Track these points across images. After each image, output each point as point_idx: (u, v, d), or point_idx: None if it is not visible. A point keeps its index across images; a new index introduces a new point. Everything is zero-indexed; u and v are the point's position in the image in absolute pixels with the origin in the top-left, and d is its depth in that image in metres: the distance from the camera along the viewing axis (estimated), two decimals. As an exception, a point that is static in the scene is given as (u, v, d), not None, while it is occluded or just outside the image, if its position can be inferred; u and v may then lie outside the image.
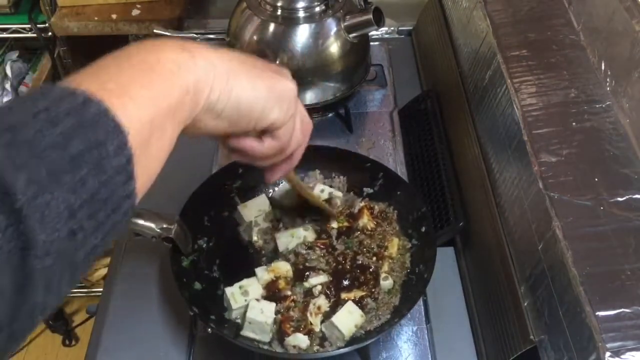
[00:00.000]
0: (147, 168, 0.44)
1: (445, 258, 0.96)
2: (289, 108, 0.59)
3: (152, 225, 0.79)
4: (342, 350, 0.77)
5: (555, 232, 0.69)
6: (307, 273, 0.85)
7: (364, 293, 0.84)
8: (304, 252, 0.88)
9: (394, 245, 0.89)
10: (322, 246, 0.88)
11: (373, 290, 0.84)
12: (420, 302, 0.90)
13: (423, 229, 0.89)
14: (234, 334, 0.80)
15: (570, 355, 0.64)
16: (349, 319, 0.80)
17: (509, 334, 0.76)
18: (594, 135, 0.77)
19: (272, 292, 0.84)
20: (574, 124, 0.79)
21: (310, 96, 1.12)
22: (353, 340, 0.79)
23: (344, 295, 0.83)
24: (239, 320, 0.82)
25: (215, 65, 0.51)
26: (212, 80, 0.50)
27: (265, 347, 0.80)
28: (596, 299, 0.62)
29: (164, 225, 0.80)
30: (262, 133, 0.60)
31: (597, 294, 0.62)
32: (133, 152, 0.40)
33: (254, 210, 0.93)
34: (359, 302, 0.83)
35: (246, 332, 0.80)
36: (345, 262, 0.87)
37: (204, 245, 0.89)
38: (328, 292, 0.84)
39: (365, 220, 0.91)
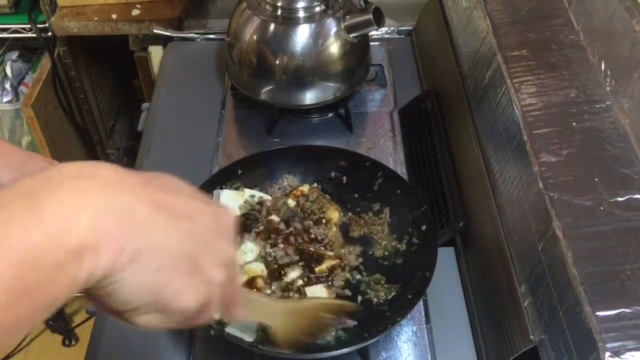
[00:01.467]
0: None
1: (445, 258, 0.96)
2: (166, 322, 0.46)
3: None
4: (343, 350, 0.77)
5: (555, 232, 0.68)
6: (283, 271, 0.86)
7: (334, 262, 0.87)
8: (270, 252, 0.88)
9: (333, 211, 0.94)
10: (282, 241, 0.89)
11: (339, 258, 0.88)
12: (420, 302, 0.90)
13: (423, 228, 0.89)
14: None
15: (570, 355, 0.64)
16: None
17: (509, 334, 0.76)
18: (594, 135, 0.77)
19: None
20: (574, 124, 0.79)
21: (310, 96, 1.12)
22: (352, 340, 0.79)
23: (317, 269, 0.86)
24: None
25: (123, 252, 0.39)
26: (107, 271, 0.39)
27: (261, 346, 0.78)
28: (596, 299, 0.62)
29: None
30: None
31: (597, 294, 0.62)
32: None
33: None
34: (331, 273, 0.86)
35: (231, 329, 0.78)
36: (303, 241, 0.89)
37: None
38: (305, 278, 0.86)
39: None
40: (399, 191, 0.94)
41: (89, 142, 1.92)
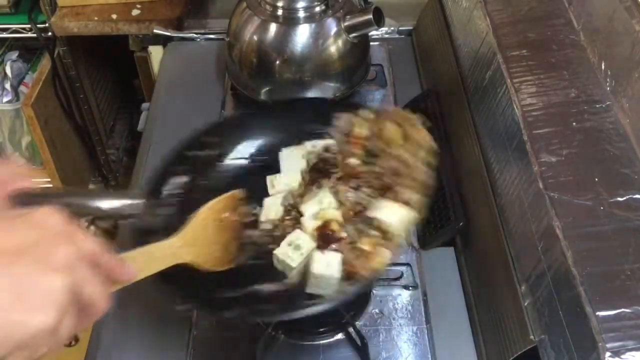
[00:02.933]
0: None
1: (445, 258, 0.96)
2: (36, 351, 0.44)
3: (116, 204, 0.71)
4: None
5: (555, 232, 0.68)
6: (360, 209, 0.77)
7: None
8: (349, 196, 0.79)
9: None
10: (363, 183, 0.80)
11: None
12: (420, 302, 0.90)
13: None
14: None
15: (570, 355, 0.64)
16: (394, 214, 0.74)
17: (509, 334, 0.76)
18: (594, 135, 0.77)
19: (325, 237, 0.76)
20: (574, 124, 0.79)
21: (311, 96, 1.12)
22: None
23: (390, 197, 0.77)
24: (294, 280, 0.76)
25: None
26: None
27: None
28: (596, 299, 0.62)
29: (128, 202, 0.71)
30: None
31: (597, 294, 0.62)
32: None
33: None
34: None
35: (312, 289, 0.73)
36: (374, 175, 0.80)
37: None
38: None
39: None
40: None
41: (89, 142, 1.92)
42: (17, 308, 0.41)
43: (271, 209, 0.81)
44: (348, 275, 0.72)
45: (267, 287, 0.75)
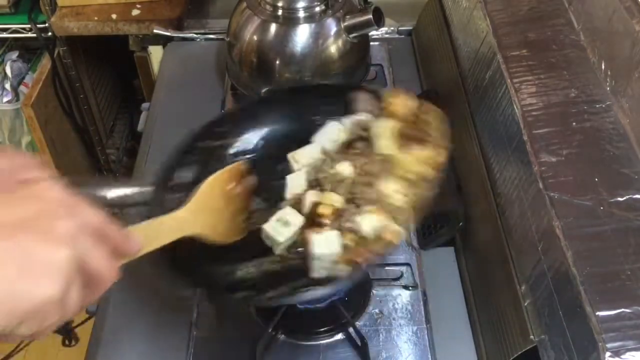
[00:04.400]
0: None
1: (445, 258, 0.96)
2: (45, 319, 0.44)
3: (124, 191, 0.71)
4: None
5: (555, 232, 0.68)
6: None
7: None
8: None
9: None
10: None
11: None
12: (420, 302, 0.90)
13: None
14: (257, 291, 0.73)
15: (570, 355, 0.64)
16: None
17: (509, 334, 0.76)
18: (594, 135, 0.77)
19: (314, 219, 0.74)
20: (574, 124, 0.79)
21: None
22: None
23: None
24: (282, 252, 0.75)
25: None
26: None
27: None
28: (596, 299, 0.62)
29: (137, 190, 0.72)
30: None
31: (597, 294, 0.62)
32: None
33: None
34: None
35: (318, 272, 0.72)
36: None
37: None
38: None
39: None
40: None
41: (89, 142, 1.93)
42: (22, 278, 0.42)
43: (295, 185, 0.79)
44: (347, 261, 0.71)
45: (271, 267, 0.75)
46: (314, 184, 0.79)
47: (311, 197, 0.76)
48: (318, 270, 0.72)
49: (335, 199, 0.75)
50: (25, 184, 0.47)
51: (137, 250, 0.54)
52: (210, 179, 0.74)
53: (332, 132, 0.83)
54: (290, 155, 0.82)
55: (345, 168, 0.78)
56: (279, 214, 0.76)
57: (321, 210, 0.74)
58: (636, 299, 0.62)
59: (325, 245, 0.71)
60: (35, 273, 0.42)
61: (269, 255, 0.76)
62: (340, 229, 0.73)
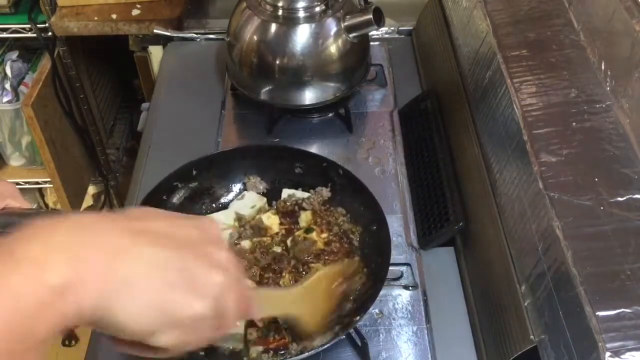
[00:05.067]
0: None
1: (445, 258, 0.96)
2: (186, 334, 0.47)
3: None
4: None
5: (555, 232, 0.68)
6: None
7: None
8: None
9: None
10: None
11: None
12: (420, 302, 0.90)
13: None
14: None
15: (570, 355, 0.64)
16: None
17: (509, 334, 0.76)
18: (594, 135, 0.77)
19: None
20: (574, 124, 0.79)
21: (310, 96, 1.12)
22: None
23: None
24: None
25: (108, 279, 0.41)
26: (97, 301, 0.41)
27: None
28: (596, 299, 0.62)
29: None
30: None
31: (597, 294, 0.62)
32: None
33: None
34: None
35: (219, 342, 0.78)
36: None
37: None
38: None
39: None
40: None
41: (89, 142, 1.92)
42: (184, 290, 0.45)
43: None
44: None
45: None
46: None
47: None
48: (222, 340, 0.77)
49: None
50: (192, 216, 0.52)
51: (252, 315, 0.57)
52: (323, 271, 0.78)
53: (249, 200, 0.94)
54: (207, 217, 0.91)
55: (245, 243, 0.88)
56: None
57: None
58: (636, 299, 0.62)
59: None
60: (194, 289, 0.45)
61: None
62: None
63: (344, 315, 0.80)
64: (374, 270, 0.85)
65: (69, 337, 1.92)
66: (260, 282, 0.85)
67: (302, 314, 0.72)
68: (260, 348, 0.79)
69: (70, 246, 0.40)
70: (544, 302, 0.70)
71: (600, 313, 0.61)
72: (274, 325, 0.80)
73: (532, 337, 0.71)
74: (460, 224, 0.94)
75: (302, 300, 0.71)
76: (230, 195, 0.98)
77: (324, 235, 0.91)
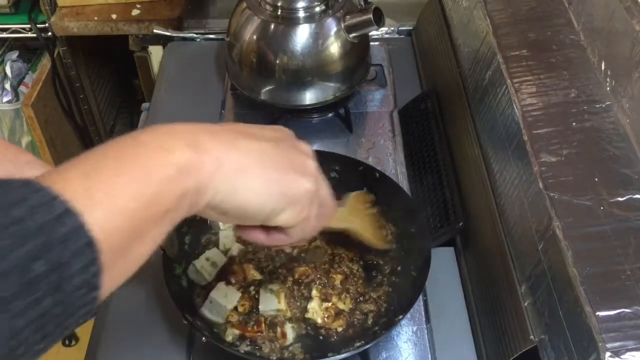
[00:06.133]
0: (122, 270, 0.41)
1: (445, 258, 0.96)
2: (302, 210, 0.54)
3: None
4: (344, 355, 0.77)
5: (555, 232, 0.68)
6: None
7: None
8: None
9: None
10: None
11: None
12: (420, 302, 0.90)
13: (413, 230, 0.89)
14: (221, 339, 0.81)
15: (570, 355, 0.64)
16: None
17: (509, 334, 0.76)
18: (594, 135, 0.77)
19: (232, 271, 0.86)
20: (574, 124, 0.79)
21: (310, 96, 1.12)
22: (349, 343, 0.79)
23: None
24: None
25: (224, 163, 0.46)
26: (217, 182, 0.46)
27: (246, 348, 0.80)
28: (596, 299, 0.62)
29: None
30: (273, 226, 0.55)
31: (597, 294, 0.62)
32: (103, 265, 0.37)
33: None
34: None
35: (204, 311, 0.82)
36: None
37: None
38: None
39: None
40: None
41: (89, 142, 1.93)
42: (292, 171, 0.52)
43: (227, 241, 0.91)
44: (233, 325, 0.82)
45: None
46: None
47: (235, 249, 0.89)
48: (206, 310, 0.82)
49: (253, 273, 0.87)
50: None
51: (333, 214, 0.62)
52: (354, 193, 0.87)
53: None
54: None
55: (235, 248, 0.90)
56: (208, 253, 0.88)
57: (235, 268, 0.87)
58: (636, 299, 0.62)
59: (224, 296, 0.83)
60: (299, 170, 0.53)
61: None
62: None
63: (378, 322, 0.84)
64: (414, 278, 0.85)
65: (69, 337, 1.92)
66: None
67: (359, 226, 0.83)
68: (237, 332, 0.81)
69: (190, 135, 0.45)
70: (544, 302, 0.70)
71: (600, 313, 0.61)
72: (255, 315, 0.83)
73: (532, 337, 0.71)
74: (460, 224, 0.94)
75: (351, 215, 0.83)
76: None
77: None
